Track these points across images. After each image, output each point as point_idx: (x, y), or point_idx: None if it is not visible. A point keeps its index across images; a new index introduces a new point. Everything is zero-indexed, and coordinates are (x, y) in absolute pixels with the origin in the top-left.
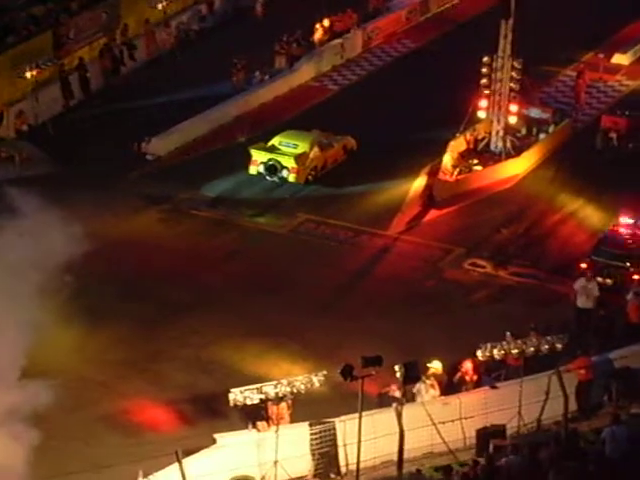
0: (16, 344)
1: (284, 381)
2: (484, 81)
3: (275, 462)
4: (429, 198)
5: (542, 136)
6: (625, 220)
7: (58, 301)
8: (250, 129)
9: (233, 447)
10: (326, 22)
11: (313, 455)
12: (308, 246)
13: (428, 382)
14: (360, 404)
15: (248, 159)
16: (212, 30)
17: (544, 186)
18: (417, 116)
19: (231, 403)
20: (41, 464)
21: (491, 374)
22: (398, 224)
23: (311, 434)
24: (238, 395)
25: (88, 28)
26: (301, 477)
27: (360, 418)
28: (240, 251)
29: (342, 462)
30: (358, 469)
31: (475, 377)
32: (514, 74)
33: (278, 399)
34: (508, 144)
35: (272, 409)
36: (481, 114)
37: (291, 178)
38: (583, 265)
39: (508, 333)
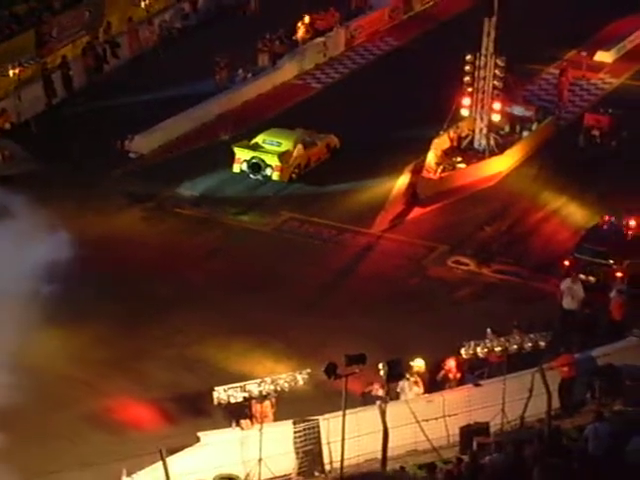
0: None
1: (268, 379)
2: (467, 79)
3: (259, 460)
4: (413, 196)
5: (525, 134)
6: (608, 218)
7: (40, 301)
8: (233, 127)
9: (217, 445)
10: (307, 19)
11: (297, 453)
12: (292, 244)
13: (412, 380)
14: (344, 402)
15: (231, 157)
16: (195, 28)
17: (527, 184)
18: (400, 114)
19: (215, 401)
20: (25, 463)
21: (474, 372)
22: (381, 222)
23: (295, 432)
24: (222, 393)
25: (71, 26)
26: (285, 475)
27: (344, 416)
28: (223, 249)
29: (326, 460)
30: (342, 467)
31: (458, 375)
32: (497, 72)
33: (262, 397)
34: (491, 142)
35: (256, 407)
36: (464, 112)
37: (275, 176)
38: (566, 263)
39: (489, 330)
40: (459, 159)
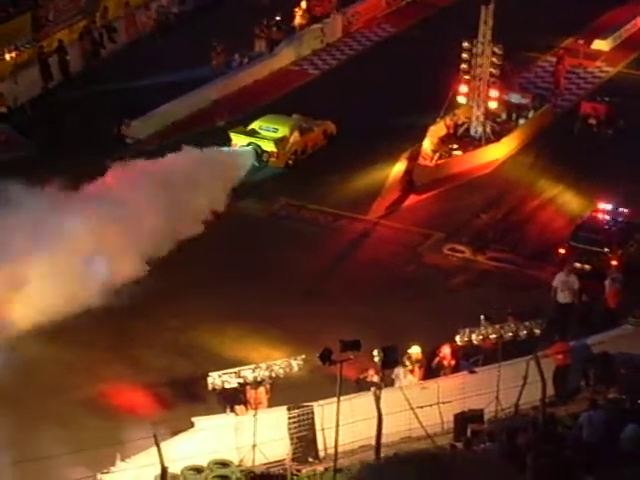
0: None
1: (263, 365)
2: (464, 66)
3: (253, 446)
4: (409, 183)
5: (522, 121)
6: (603, 206)
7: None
8: (230, 113)
9: (211, 431)
10: (303, 4)
11: (291, 439)
12: (288, 230)
13: (408, 367)
14: (338, 388)
15: (228, 143)
16: (192, 13)
17: (523, 171)
18: (397, 101)
19: (209, 387)
20: (20, 448)
21: (469, 359)
22: (378, 209)
23: (289, 418)
24: (216, 379)
25: (68, 10)
26: (279, 461)
27: (338, 402)
28: (219, 235)
29: (320, 446)
30: (336, 453)
31: (453, 362)
32: (494, 59)
33: (256, 383)
34: (488, 129)
35: (250, 393)
36: (461, 99)
37: (271, 162)
38: (561, 251)
39: (482, 316)
40: (455, 146)
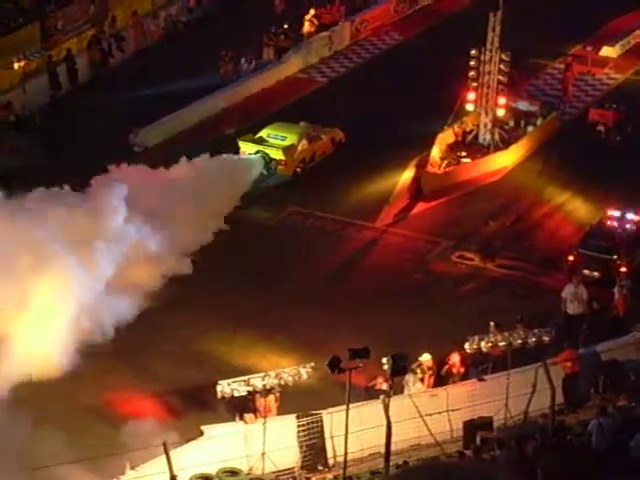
0: None
1: (272, 373)
2: (472, 74)
3: (262, 454)
4: (417, 190)
5: (530, 129)
6: (612, 213)
7: None
8: (238, 121)
9: (221, 439)
10: (312, 13)
11: (301, 447)
12: (296, 238)
13: (418, 375)
14: (347, 396)
15: (236, 151)
16: (200, 22)
17: (532, 179)
18: (405, 109)
19: (219, 395)
20: (28, 455)
21: (478, 367)
22: (386, 216)
23: (298, 426)
24: (226, 387)
25: (76, 20)
26: (289, 469)
27: (347, 410)
28: (228, 243)
29: (330, 454)
30: (345, 461)
31: (462, 369)
32: (502, 67)
33: (266, 391)
34: (496, 137)
35: (260, 401)
36: (469, 107)
37: (279, 170)
38: (570, 258)
39: (492, 323)
40: (464, 154)
